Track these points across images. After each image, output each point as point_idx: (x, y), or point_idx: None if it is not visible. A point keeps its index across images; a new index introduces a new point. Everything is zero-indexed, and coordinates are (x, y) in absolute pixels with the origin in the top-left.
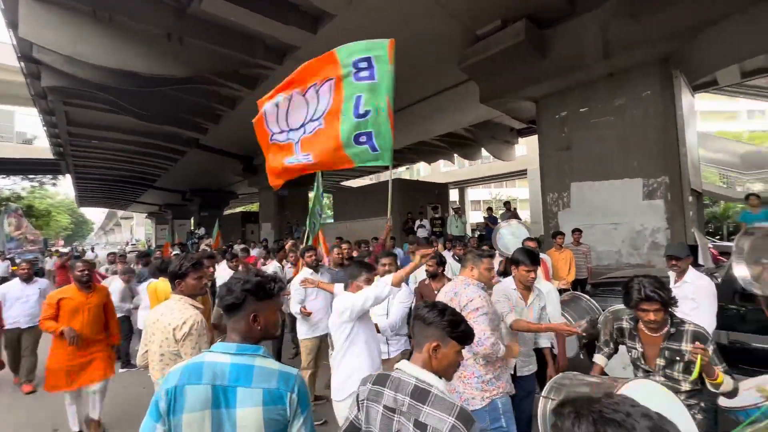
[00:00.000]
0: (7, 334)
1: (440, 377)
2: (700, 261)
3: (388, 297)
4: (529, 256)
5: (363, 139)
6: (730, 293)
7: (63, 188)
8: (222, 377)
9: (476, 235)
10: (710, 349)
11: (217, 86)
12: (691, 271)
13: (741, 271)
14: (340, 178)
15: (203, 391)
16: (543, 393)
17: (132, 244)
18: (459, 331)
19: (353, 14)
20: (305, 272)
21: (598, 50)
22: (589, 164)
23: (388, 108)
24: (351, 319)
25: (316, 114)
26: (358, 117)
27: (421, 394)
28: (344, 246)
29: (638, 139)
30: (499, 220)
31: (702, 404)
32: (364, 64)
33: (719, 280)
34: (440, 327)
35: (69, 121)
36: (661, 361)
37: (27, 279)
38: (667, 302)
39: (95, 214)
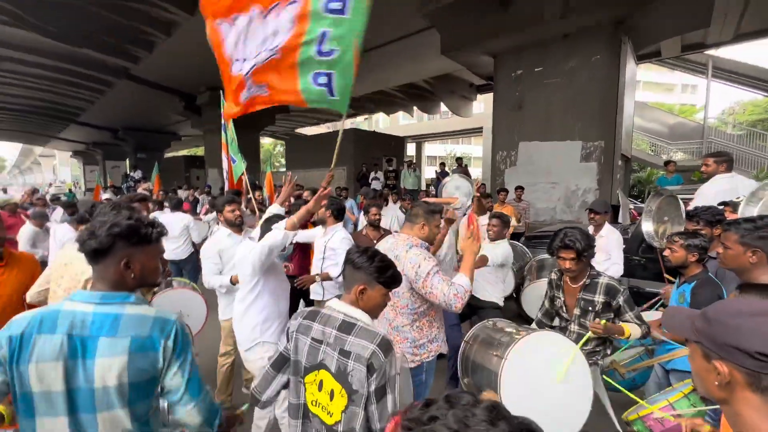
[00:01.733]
0: None
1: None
2: (620, 219)
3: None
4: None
5: (322, 80)
6: (635, 247)
7: None
8: (81, 327)
9: (430, 191)
10: (620, 300)
11: (147, 5)
12: (606, 226)
13: (647, 227)
14: (293, 124)
15: (57, 342)
16: (465, 338)
17: (57, 186)
18: (386, 276)
19: None
20: (221, 234)
21: (557, 8)
22: (537, 124)
23: (356, 51)
24: (256, 274)
25: (273, 43)
26: (320, 54)
27: (347, 326)
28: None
29: (583, 103)
30: (450, 175)
31: (606, 353)
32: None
33: (629, 235)
34: (368, 272)
35: None
36: (577, 311)
37: None
38: (581, 251)
39: (7, 150)
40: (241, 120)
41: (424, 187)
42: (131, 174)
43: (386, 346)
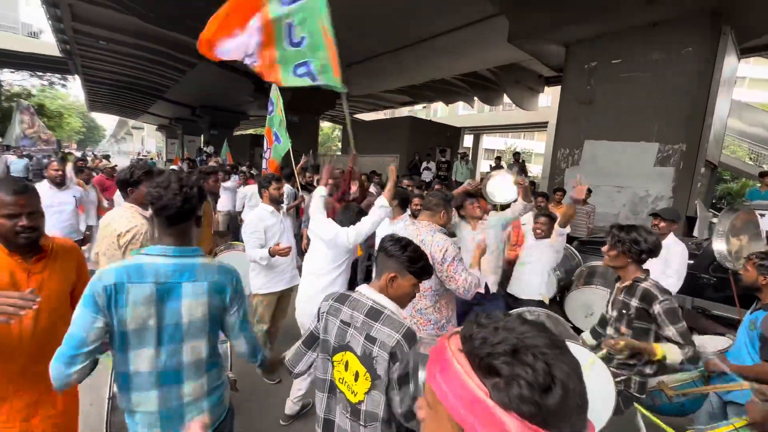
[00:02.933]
0: None
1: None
2: (695, 233)
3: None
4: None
5: (301, 70)
6: (705, 264)
7: (73, 90)
8: (165, 275)
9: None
10: (656, 309)
11: None
12: (671, 237)
13: (718, 245)
14: (352, 110)
15: (147, 288)
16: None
17: (144, 156)
18: (417, 266)
19: None
20: (263, 210)
21: None
22: (607, 122)
23: (324, 30)
24: (348, 252)
25: (249, 50)
26: (293, 45)
27: (375, 313)
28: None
29: (665, 101)
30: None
31: (643, 369)
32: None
33: (700, 251)
34: (400, 260)
35: (74, 16)
36: (614, 313)
37: (59, 184)
38: (620, 242)
39: (107, 120)
40: (302, 104)
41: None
42: (204, 149)
43: (411, 336)
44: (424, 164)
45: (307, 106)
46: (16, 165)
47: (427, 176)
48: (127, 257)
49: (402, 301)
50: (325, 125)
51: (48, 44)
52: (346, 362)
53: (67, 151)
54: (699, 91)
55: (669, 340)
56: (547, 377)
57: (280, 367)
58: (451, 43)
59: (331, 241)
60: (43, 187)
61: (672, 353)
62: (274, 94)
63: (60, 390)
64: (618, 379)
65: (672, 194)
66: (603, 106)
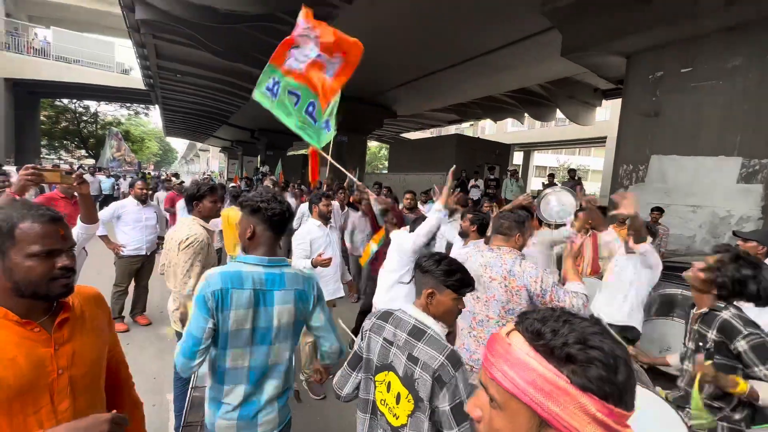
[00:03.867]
0: (127, 262)
1: (438, 321)
2: None
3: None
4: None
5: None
6: None
7: (153, 118)
8: (261, 283)
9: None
10: (740, 346)
11: (286, 25)
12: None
13: None
14: (399, 129)
15: (247, 294)
16: None
17: (207, 175)
18: (453, 279)
19: None
20: (312, 224)
21: None
22: (678, 135)
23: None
24: (412, 259)
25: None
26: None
27: (417, 332)
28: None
29: (747, 111)
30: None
31: (731, 415)
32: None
33: None
34: (435, 275)
35: (158, 55)
36: (691, 345)
37: (144, 200)
38: (725, 275)
39: (179, 144)
40: (352, 124)
41: None
42: (261, 169)
43: (455, 359)
44: (472, 182)
45: (356, 126)
46: (105, 184)
47: (475, 194)
48: (177, 260)
49: (446, 318)
50: (372, 144)
51: (135, 79)
52: (389, 383)
53: (146, 171)
54: None
55: (759, 381)
56: (614, 358)
57: (327, 378)
58: (500, 60)
59: (400, 246)
60: (130, 204)
61: (765, 393)
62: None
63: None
64: (695, 422)
65: (762, 215)
66: (672, 119)
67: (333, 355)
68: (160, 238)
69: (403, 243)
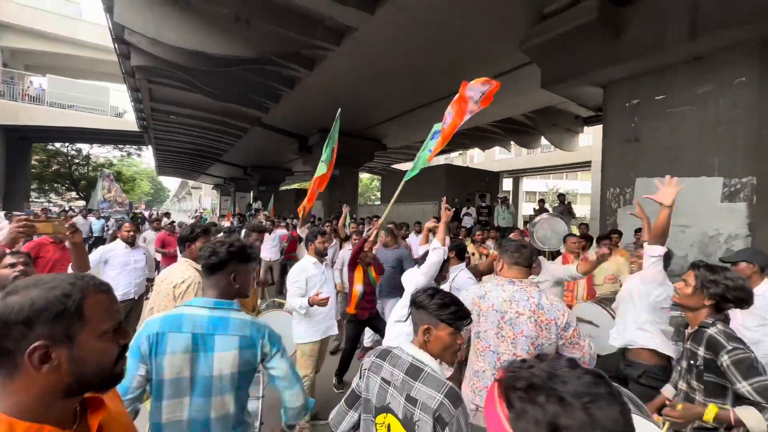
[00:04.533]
0: None
1: (437, 359)
2: None
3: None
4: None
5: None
6: None
7: (146, 158)
8: (201, 327)
9: (526, 228)
10: (724, 361)
11: (278, 67)
12: (765, 284)
13: None
14: (389, 160)
15: (185, 339)
16: None
17: (200, 212)
18: (447, 313)
19: None
20: (307, 261)
21: (684, 29)
22: (659, 158)
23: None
24: None
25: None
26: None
27: (414, 371)
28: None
29: (722, 133)
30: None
31: None
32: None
33: None
34: (429, 310)
35: (152, 98)
36: (684, 363)
37: (132, 242)
38: (704, 281)
39: (171, 182)
40: (344, 158)
41: (520, 225)
42: (253, 204)
43: (455, 396)
44: (464, 210)
45: (348, 159)
46: (96, 225)
47: (467, 222)
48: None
49: (444, 355)
50: (363, 176)
51: (129, 121)
52: (388, 425)
53: (137, 211)
54: (761, 120)
55: (743, 398)
56: (553, 423)
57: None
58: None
59: (412, 283)
60: (118, 247)
61: (751, 418)
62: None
63: None
64: None
65: (749, 232)
66: (651, 143)
67: (295, 411)
68: (149, 280)
69: (409, 282)
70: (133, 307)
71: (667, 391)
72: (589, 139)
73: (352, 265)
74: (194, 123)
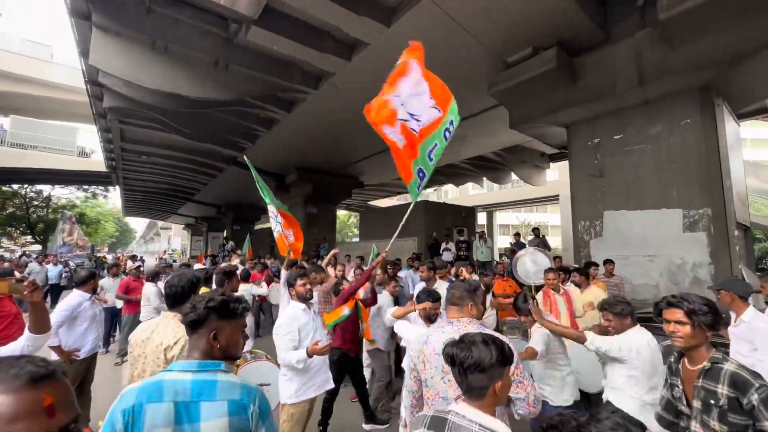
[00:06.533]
0: (78, 368)
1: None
2: (750, 300)
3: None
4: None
5: (420, 174)
6: None
7: (112, 199)
8: (184, 394)
9: (504, 260)
10: (753, 400)
11: (256, 108)
12: (751, 311)
13: None
14: (367, 197)
15: (165, 409)
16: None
17: (169, 254)
18: (506, 354)
19: (386, 43)
20: (295, 309)
21: (632, 78)
22: (623, 192)
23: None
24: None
25: (420, 120)
26: (428, 157)
27: None
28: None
29: (677, 169)
30: (526, 246)
31: None
32: (451, 127)
33: None
34: (497, 364)
35: (123, 138)
36: (697, 403)
37: (95, 291)
38: (692, 312)
39: (137, 223)
40: (321, 196)
41: (497, 258)
42: (226, 245)
43: None
44: (443, 245)
45: (325, 197)
46: (52, 272)
47: (447, 257)
48: None
49: (501, 400)
50: (341, 213)
51: (96, 161)
52: None
53: (100, 254)
54: (708, 156)
55: None
56: None
57: None
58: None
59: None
60: (85, 301)
61: None
62: (263, 188)
63: None
64: None
65: (711, 260)
66: (615, 178)
67: None
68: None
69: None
70: (91, 365)
71: (656, 428)
72: (556, 174)
73: (345, 299)
74: (167, 162)
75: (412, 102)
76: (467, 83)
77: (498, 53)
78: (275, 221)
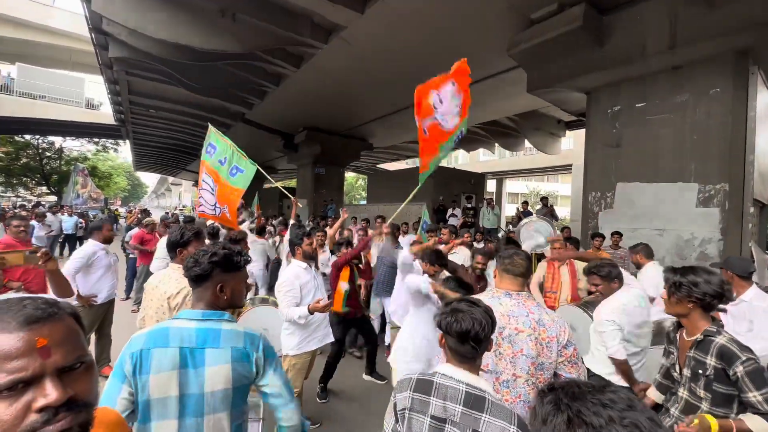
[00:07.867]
0: (96, 312)
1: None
2: (755, 278)
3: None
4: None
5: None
6: None
7: (123, 153)
8: (189, 341)
9: (510, 230)
10: (738, 371)
11: (264, 63)
12: (754, 290)
13: None
14: (376, 160)
15: (171, 354)
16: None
17: (180, 209)
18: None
19: None
20: (297, 267)
21: (664, 40)
22: (639, 164)
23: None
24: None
25: (446, 114)
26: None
27: (475, 401)
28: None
29: (699, 141)
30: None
31: None
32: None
33: None
34: (489, 333)
35: (130, 90)
36: (687, 372)
37: (110, 241)
38: (675, 285)
39: (149, 178)
40: (329, 157)
41: (504, 226)
42: None
43: (524, 425)
44: (450, 211)
45: (333, 158)
46: (68, 223)
47: (453, 222)
48: None
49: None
50: (349, 175)
51: (105, 114)
52: None
53: (113, 208)
54: (734, 129)
55: (752, 407)
56: None
57: None
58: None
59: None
60: (100, 250)
61: (758, 426)
62: (215, 137)
63: None
64: None
65: (721, 236)
66: (632, 149)
67: (291, 430)
68: None
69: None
70: (109, 309)
71: (653, 394)
72: (571, 143)
73: (341, 266)
74: (175, 118)
75: (445, 104)
76: (486, 41)
77: (521, 9)
78: (208, 184)
